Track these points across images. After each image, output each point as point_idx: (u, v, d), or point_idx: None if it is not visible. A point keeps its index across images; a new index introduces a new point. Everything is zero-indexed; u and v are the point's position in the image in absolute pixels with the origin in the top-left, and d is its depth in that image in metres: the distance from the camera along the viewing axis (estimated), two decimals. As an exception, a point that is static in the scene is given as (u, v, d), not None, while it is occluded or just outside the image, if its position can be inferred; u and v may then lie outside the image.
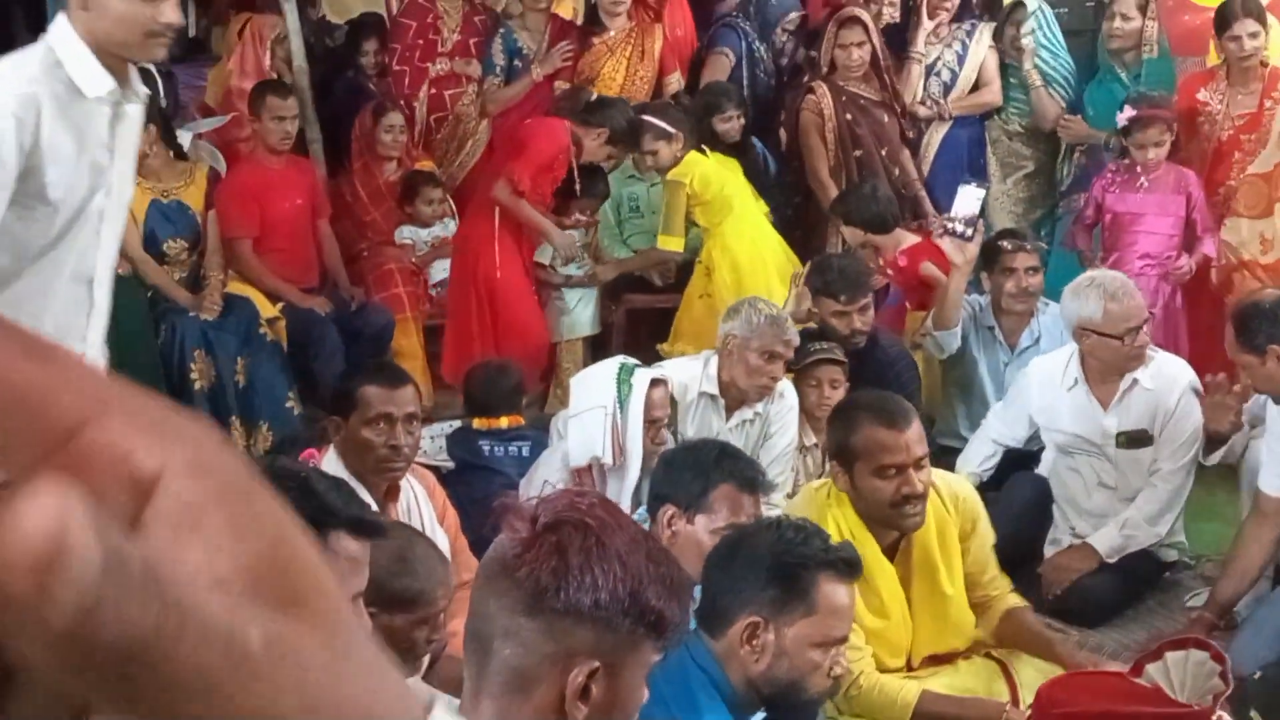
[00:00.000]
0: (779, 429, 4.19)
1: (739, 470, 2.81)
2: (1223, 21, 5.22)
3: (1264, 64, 5.28)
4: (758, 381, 4.05)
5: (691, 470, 2.81)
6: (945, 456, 4.76)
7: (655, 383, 3.73)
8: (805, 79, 5.79)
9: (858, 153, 5.60)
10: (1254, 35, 5.15)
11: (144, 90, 2.77)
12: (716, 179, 5.33)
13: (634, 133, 5.30)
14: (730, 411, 4.15)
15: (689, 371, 4.13)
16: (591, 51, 5.93)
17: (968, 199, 4.68)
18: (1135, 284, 4.90)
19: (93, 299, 2.73)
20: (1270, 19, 5.51)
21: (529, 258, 5.36)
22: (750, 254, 5.43)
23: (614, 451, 3.62)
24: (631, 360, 3.90)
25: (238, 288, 5.16)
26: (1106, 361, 4.07)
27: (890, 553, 3.14)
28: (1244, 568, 3.74)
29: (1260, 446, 3.97)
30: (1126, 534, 4.06)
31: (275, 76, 5.74)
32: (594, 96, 5.61)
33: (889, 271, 5.19)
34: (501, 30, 6.00)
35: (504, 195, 5.17)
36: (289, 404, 5.01)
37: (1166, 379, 4.08)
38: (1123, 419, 4.10)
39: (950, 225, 4.71)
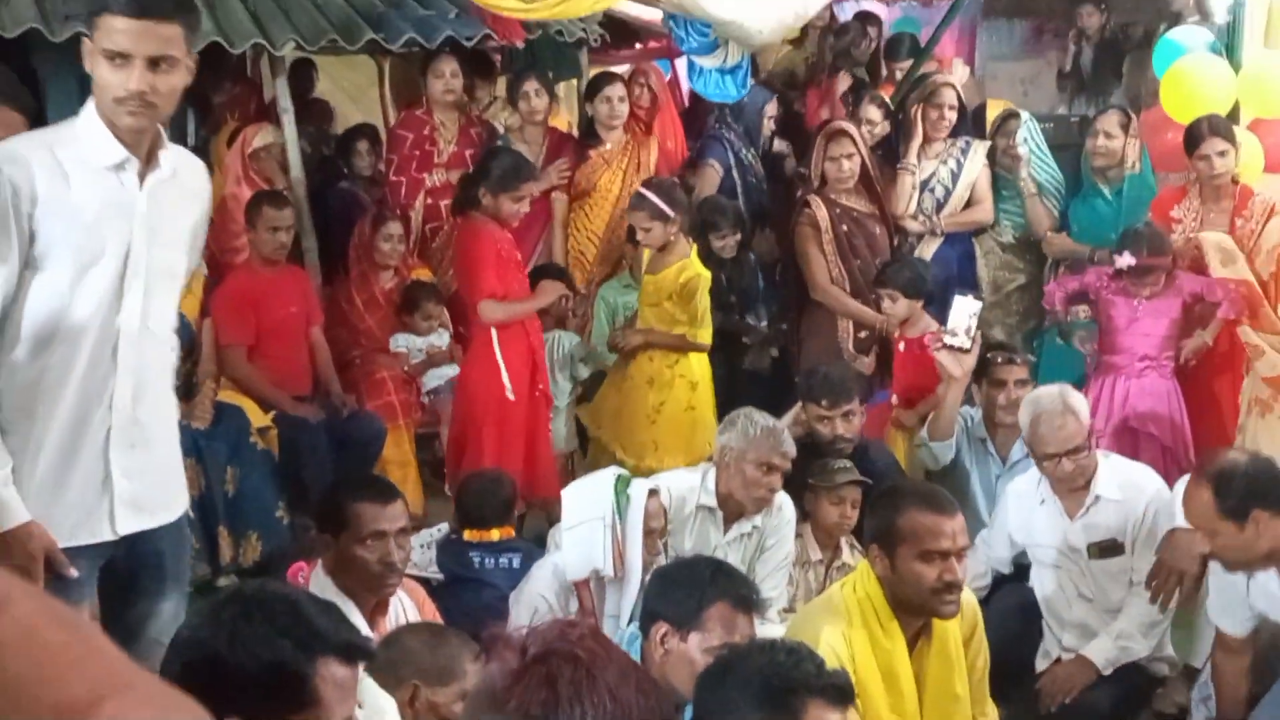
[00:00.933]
0: (776, 541, 4.19)
1: (734, 589, 2.80)
2: (1191, 141, 5.32)
3: (1235, 181, 5.37)
4: (755, 493, 4.05)
5: (686, 587, 2.80)
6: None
7: (651, 493, 3.73)
8: (799, 194, 5.87)
9: (856, 262, 5.68)
10: (1223, 154, 5.25)
11: (174, 162, 2.85)
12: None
13: (525, 169, 5.29)
14: (728, 524, 4.14)
15: (686, 483, 4.13)
16: (588, 164, 6.02)
17: (963, 310, 4.72)
18: (1138, 385, 4.91)
19: (117, 363, 2.79)
20: (1242, 135, 5.62)
21: (539, 371, 5.32)
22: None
23: (615, 563, 3.60)
24: (625, 471, 3.90)
25: (229, 396, 5.16)
26: (1049, 476, 4.13)
27: (909, 648, 3.13)
28: (1231, 698, 3.69)
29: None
30: (1121, 645, 4.05)
31: (263, 185, 5.79)
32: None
33: (900, 347, 5.27)
34: (500, 142, 6.09)
35: (495, 313, 5.08)
36: (279, 514, 4.99)
37: (1133, 488, 4.09)
38: (1091, 531, 4.12)
39: (947, 338, 4.73)
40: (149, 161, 2.79)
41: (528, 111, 6.05)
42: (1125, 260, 5.02)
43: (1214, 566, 3.62)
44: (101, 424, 2.78)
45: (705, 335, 5.22)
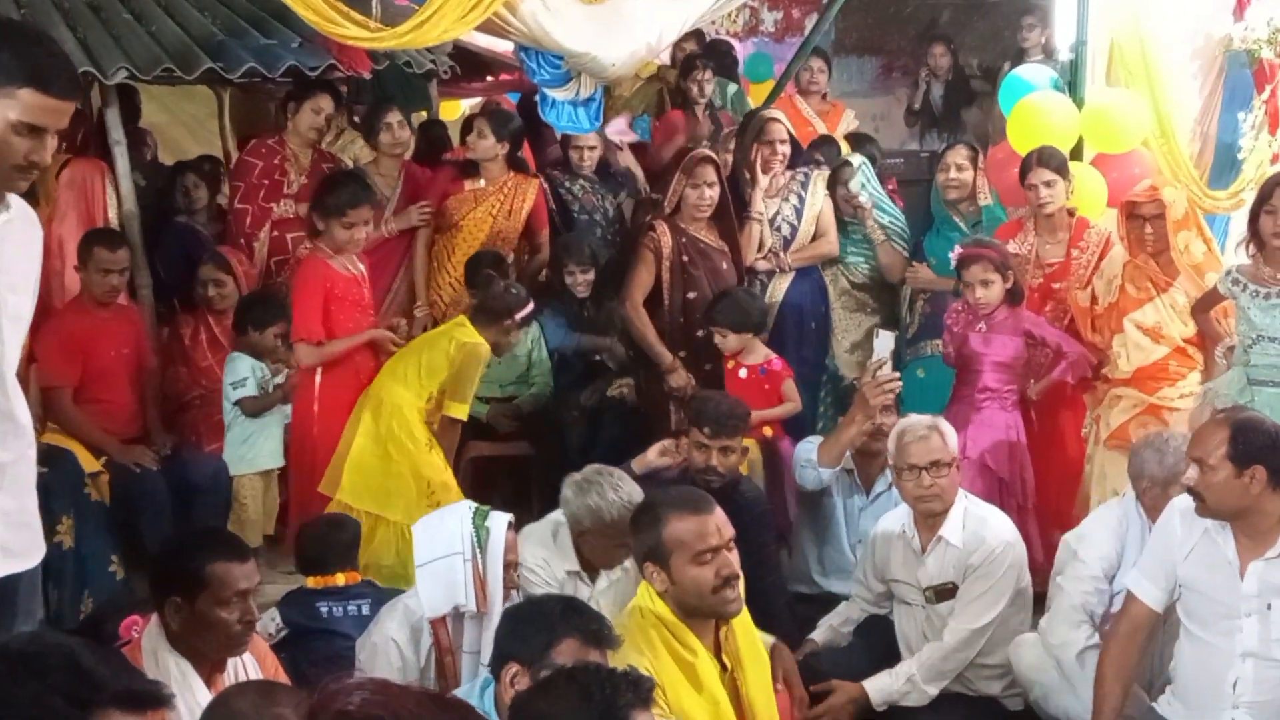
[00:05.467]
0: None
1: (584, 624, 2.81)
2: (1022, 172, 5.54)
3: (1071, 214, 5.58)
4: (618, 558, 4.02)
5: (534, 625, 2.82)
6: (800, 604, 4.79)
7: (509, 525, 3.69)
8: (648, 218, 5.82)
9: (691, 294, 5.63)
10: (1049, 184, 5.44)
11: (14, 206, 2.81)
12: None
13: (366, 194, 5.28)
14: (594, 575, 4.09)
15: (543, 552, 4.05)
16: (458, 197, 5.96)
17: (884, 343, 4.78)
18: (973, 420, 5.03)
19: None
20: (1086, 170, 5.83)
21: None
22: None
23: (478, 598, 3.55)
24: (481, 505, 3.83)
25: (57, 439, 4.97)
26: (907, 496, 4.26)
27: (715, 652, 3.21)
28: (1107, 694, 3.69)
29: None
30: (904, 690, 4.15)
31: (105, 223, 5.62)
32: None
33: (742, 374, 5.37)
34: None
35: (307, 357, 5.13)
36: (112, 568, 4.79)
37: (975, 539, 4.20)
38: (935, 571, 4.23)
39: (881, 372, 4.76)
40: None
41: (390, 144, 5.98)
42: (956, 253, 5.18)
43: (1159, 524, 3.75)
44: None
45: (458, 410, 5.15)
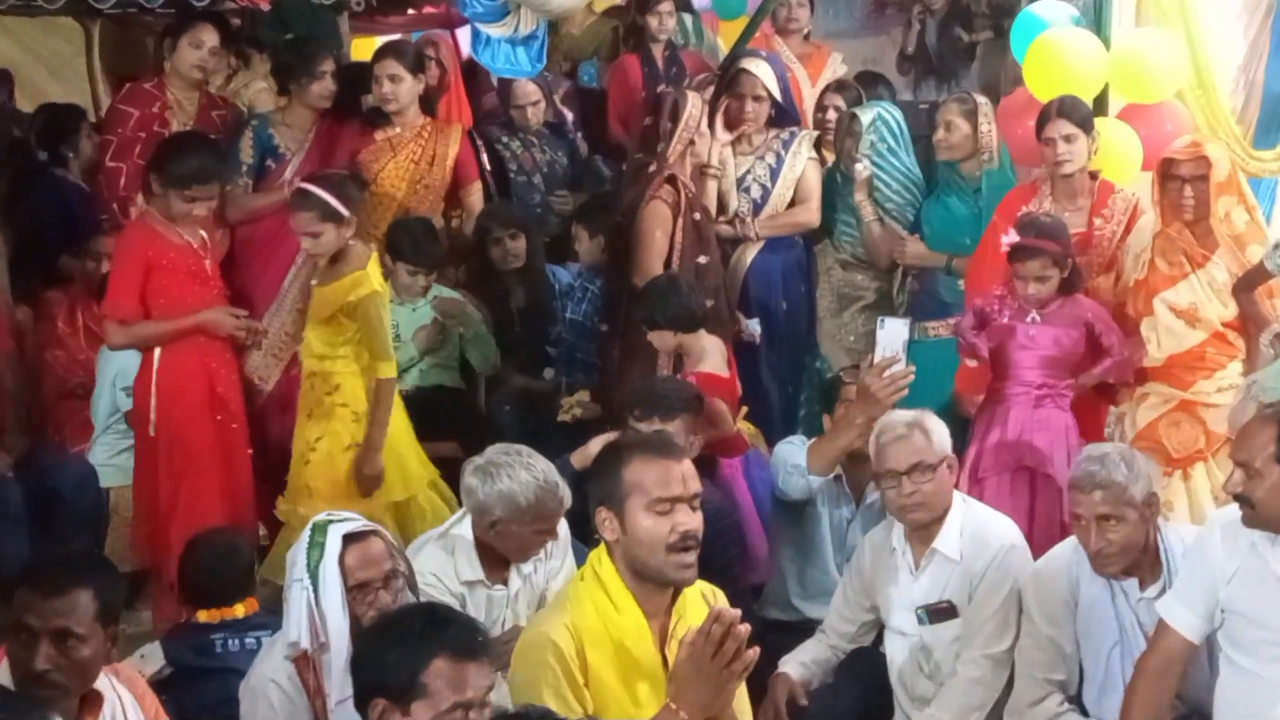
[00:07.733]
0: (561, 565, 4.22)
1: (452, 637, 2.71)
2: (1039, 123, 5.43)
3: (1093, 177, 5.50)
4: (535, 546, 4.04)
5: (395, 649, 2.71)
6: (772, 634, 4.71)
7: (351, 539, 3.56)
8: (650, 169, 5.66)
9: (702, 259, 5.56)
10: (1069, 139, 5.32)
11: None
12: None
13: (218, 169, 5.26)
14: (496, 582, 4.08)
15: (436, 563, 4.03)
16: (371, 149, 5.90)
17: (894, 332, 4.67)
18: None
19: None
20: (1116, 126, 5.78)
21: (224, 402, 5.19)
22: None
23: (310, 633, 3.47)
24: (339, 514, 3.71)
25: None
26: (891, 507, 4.20)
27: (660, 643, 3.20)
28: None
29: None
30: None
31: None
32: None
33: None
34: (254, 123, 5.91)
35: (117, 337, 5.12)
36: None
37: (979, 544, 4.13)
38: (928, 589, 4.16)
39: (894, 368, 4.62)
40: None
41: (320, 95, 5.84)
42: (1009, 239, 5.05)
43: (1196, 541, 3.72)
44: None
45: (389, 369, 5.11)
